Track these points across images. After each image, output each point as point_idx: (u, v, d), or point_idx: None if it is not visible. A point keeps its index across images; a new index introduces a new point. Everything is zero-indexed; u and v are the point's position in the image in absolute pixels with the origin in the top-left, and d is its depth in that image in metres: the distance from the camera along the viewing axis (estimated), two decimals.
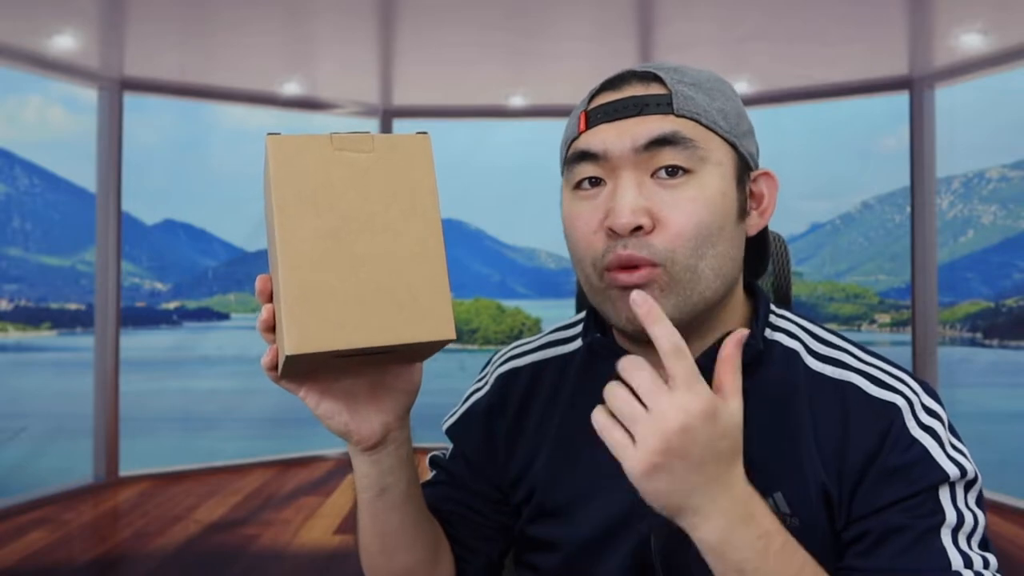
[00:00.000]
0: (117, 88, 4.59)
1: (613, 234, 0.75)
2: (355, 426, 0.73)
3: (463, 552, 0.89)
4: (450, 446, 0.95)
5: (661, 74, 0.78)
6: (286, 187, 0.62)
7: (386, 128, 5.34)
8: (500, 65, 4.74)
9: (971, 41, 3.99)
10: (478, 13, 3.80)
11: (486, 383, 0.94)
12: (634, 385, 0.64)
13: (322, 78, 5.03)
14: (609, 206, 0.75)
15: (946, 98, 4.53)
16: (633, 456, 0.63)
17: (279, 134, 0.64)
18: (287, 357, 0.61)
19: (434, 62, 4.58)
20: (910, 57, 4.38)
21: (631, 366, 0.64)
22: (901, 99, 4.58)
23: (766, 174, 0.82)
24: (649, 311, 0.64)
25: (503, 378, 0.92)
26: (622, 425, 0.64)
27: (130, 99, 4.68)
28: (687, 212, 0.74)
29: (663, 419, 0.62)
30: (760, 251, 0.89)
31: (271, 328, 0.68)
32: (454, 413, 0.96)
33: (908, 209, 4.56)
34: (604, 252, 0.76)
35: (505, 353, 0.96)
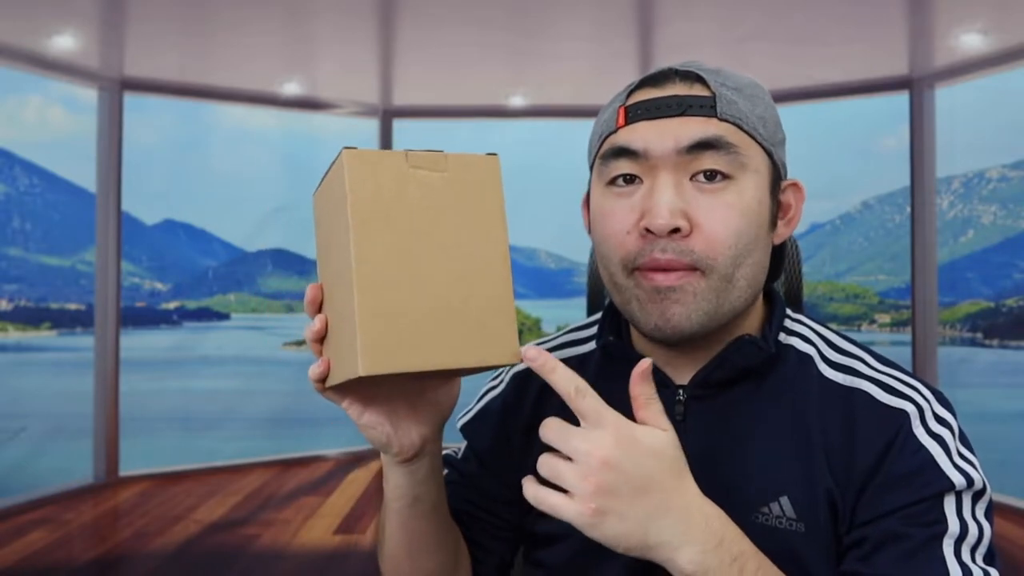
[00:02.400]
0: (117, 88, 4.59)
1: (648, 235, 0.74)
2: (396, 438, 0.72)
3: (477, 552, 0.89)
4: (462, 444, 0.95)
5: (704, 75, 0.76)
6: (363, 203, 0.61)
7: (386, 128, 5.34)
8: (500, 65, 4.74)
9: (971, 41, 3.99)
10: (478, 13, 3.80)
11: (501, 381, 0.94)
12: (549, 441, 0.64)
13: (322, 78, 5.03)
14: (646, 206, 0.74)
15: (946, 98, 4.53)
16: (573, 508, 0.62)
17: (355, 148, 0.62)
18: (359, 377, 0.60)
19: (434, 62, 4.58)
20: (910, 57, 4.38)
21: (544, 428, 0.65)
22: (901, 99, 4.57)
23: (794, 184, 0.82)
24: (544, 363, 0.64)
25: (519, 377, 0.92)
26: (556, 488, 0.63)
27: (130, 99, 4.68)
28: (725, 219, 0.73)
29: (584, 461, 0.62)
30: (776, 257, 0.88)
31: (322, 339, 0.67)
32: (469, 411, 0.95)
33: (908, 209, 4.55)
34: (637, 254, 0.75)
35: None
